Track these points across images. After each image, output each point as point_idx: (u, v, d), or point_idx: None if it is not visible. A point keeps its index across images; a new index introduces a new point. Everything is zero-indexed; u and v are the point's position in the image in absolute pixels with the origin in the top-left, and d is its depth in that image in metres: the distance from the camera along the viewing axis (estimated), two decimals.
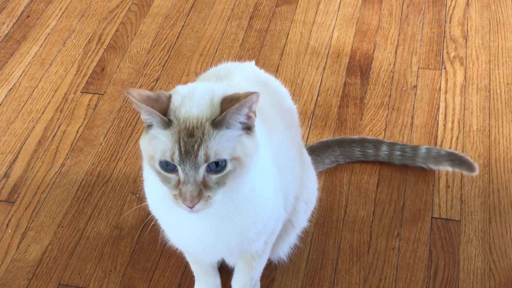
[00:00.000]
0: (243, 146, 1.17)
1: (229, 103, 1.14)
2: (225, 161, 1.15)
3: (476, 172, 1.86)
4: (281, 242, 1.65)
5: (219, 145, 1.14)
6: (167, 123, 1.14)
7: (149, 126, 1.18)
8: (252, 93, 1.13)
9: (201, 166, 1.14)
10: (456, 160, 1.88)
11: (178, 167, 1.15)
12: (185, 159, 1.13)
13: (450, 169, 1.90)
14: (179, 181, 1.16)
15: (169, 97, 1.17)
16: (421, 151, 1.92)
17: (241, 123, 1.17)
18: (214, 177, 1.17)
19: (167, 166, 1.16)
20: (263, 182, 1.31)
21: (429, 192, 1.92)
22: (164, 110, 1.15)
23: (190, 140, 1.13)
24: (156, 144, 1.16)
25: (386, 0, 2.51)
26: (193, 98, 1.17)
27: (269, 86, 1.54)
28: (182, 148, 1.13)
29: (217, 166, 1.15)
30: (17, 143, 2.08)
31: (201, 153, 1.13)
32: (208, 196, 1.17)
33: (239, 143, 1.17)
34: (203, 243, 1.37)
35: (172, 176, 1.17)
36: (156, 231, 1.65)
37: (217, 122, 1.14)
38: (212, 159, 1.14)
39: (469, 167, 1.86)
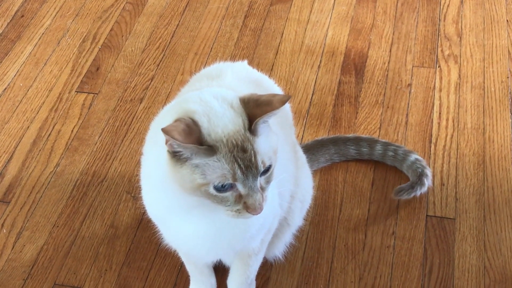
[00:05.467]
0: (273, 139, 1.21)
1: (258, 107, 1.16)
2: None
3: (398, 197, 1.85)
4: (277, 241, 1.65)
5: (264, 148, 1.17)
6: (213, 150, 1.13)
7: (182, 157, 1.14)
8: (286, 97, 1.16)
9: (260, 174, 1.17)
10: (417, 178, 1.85)
11: (239, 184, 1.15)
12: (247, 173, 1.15)
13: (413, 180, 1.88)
14: (238, 196, 1.18)
15: (195, 122, 1.14)
16: (410, 159, 1.90)
17: (265, 121, 1.18)
18: (264, 177, 1.19)
19: (222, 188, 1.16)
20: None
21: None
22: (200, 139, 1.14)
23: (245, 155, 1.14)
24: (207, 171, 1.14)
25: None
26: (217, 113, 1.15)
27: (262, 85, 1.54)
28: (241, 165, 1.14)
29: (267, 168, 1.19)
30: (12, 143, 2.08)
31: (259, 163, 1.15)
32: (266, 196, 1.21)
33: (271, 138, 1.20)
34: (206, 244, 1.39)
35: (228, 194, 1.17)
36: (151, 230, 1.65)
37: (254, 129, 1.15)
38: (267, 163, 1.17)
39: (410, 187, 1.84)
